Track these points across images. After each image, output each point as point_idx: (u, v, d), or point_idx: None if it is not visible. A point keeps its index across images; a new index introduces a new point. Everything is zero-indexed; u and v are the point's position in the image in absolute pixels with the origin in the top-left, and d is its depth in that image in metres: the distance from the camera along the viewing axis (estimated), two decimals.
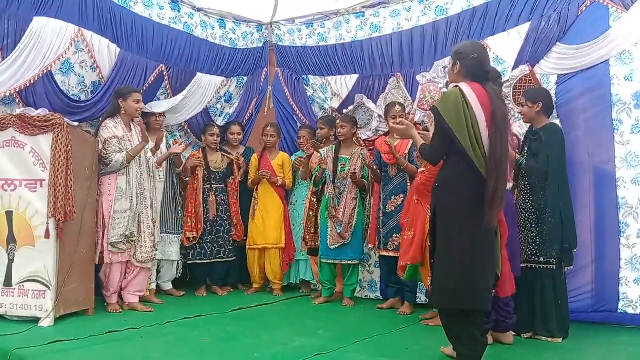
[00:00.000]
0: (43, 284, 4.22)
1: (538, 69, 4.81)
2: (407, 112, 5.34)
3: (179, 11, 6.06)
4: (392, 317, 4.81)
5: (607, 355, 3.80)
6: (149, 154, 5.08)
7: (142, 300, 5.05)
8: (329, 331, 4.25)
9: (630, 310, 4.35)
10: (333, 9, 6.53)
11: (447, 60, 4.65)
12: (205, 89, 6.18)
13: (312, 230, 5.65)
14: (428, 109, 5.22)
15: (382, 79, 5.98)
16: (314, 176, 5.61)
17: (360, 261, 5.48)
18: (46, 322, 4.16)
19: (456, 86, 3.19)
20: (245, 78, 6.75)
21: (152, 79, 5.61)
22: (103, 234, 4.73)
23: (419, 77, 5.55)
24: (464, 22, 5.43)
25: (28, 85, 4.63)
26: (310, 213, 5.68)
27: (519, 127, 4.74)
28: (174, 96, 5.85)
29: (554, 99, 4.48)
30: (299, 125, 6.40)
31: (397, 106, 5.13)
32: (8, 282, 4.28)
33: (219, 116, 6.58)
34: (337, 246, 5.28)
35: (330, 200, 5.33)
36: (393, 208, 5.09)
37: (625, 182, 4.42)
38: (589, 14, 4.63)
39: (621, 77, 4.46)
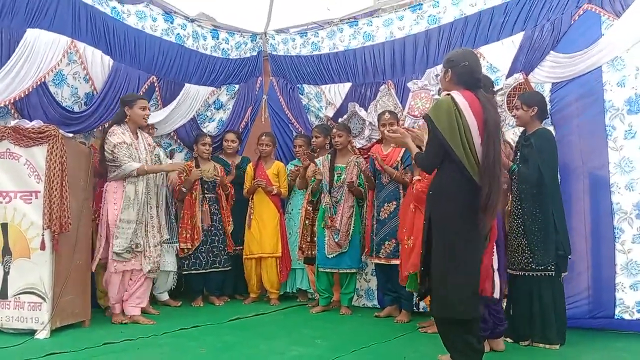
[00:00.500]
0: (39, 295, 4.20)
1: (532, 78, 4.85)
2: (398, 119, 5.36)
3: (171, 22, 6.09)
4: (390, 326, 4.81)
5: None
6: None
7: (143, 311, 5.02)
8: (326, 340, 4.25)
9: (626, 316, 4.35)
10: (326, 19, 6.59)
11: (439, 68, 4.68)
12: (194, 99, 6.25)
13: (308, 239, 5.64)
14: (418, 115, 5.26)
15: (373, 87, 6.03)
16: (310, 187, 5.61)
17: (358, 269, 5.48)
18: (42, 334, 4.14)
19: (448, 94, 3.20)
20: (237, 86, 6.76)
21: (144, 90, 5.62)
22: (107, 242, 4.71)
23: (410, 85, 5.60)
24: (456, 31, 5.48)
25: (22, 96, 4.64)
26: (306, 222, 5.68)
27: (513, 135, 4.77)
28: (164, 107, 5.89)
29: (548, 106, 4.51)
30: (294, 134, 6.42)
31: (387, 114, 5.17)
32: (4, 295, 4.26)
33: (209, 122, 6.59)
34: (334, 255, 5.28)
35: (327, 210, 5.33)
36: (386, 215, 5.10)
37: (619, 188, 4.44)
38: (581, 22, 4.67)
39: (614, 83, 4.49)
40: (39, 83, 4.73)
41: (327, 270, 5.37)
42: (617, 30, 4.46)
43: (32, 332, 4.16)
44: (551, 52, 4.76)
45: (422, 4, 5.80)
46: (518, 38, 4.97)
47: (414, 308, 5.06)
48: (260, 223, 5.84)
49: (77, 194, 4.50)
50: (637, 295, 4.33)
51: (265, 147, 5.97)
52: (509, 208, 4.34)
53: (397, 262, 4.94)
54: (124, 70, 5.46)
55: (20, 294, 4.23)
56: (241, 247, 5.94)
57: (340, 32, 6.37)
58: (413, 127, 5.22)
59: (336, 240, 5.25)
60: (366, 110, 5.96)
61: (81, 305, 4.56)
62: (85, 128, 5.18)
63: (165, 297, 5.63)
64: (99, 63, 5.25)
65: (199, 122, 6.44)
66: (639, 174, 4.38)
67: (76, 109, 5.16)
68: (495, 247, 3.71)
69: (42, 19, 4.82)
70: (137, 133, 4.95)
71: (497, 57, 5.08)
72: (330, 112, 6.31)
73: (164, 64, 6.00)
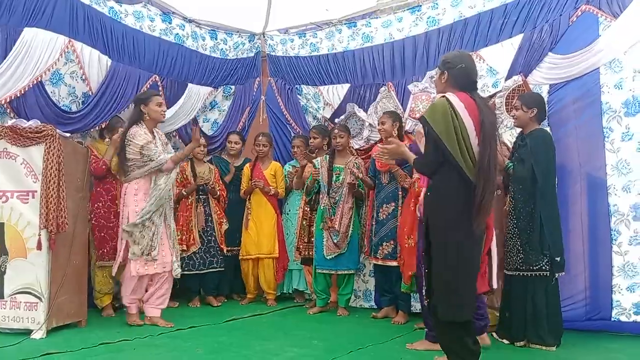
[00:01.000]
0: (35, 295, 4.19)
1: (530, 79, 4.85)
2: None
3: (170, 22, 6.09)
4: (387, 327, 4.81)
5: None
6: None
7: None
8: (323, 341, 4.24)
9: (623, 318, 4.36)
10: (325, 19, 6.58)
11: (436, 70, 4.68)
12: (195, 99, 6.26)
13: (306, 239, 5.64)
14: (419, 118, 5.25)
15: (373, 88, 6.03)
16: (305, 186, 5.61)
17: (356, 271, 5.48)
18: (38, 334, 4.13)
19: (443, 96, 3.19)
20: (233, 87, 6.77)
21: (145, 88, 5.61)
22: (127, 245, 4.61)
23: (410, 87, 5.59)
24: (455, 33, 5.49)
25: (19, 95, 4.63)
26: (304, 222, 5.68)
27: (510, 136, 4.77)
28: (167, 107, 5.86)
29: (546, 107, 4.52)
30: (292, 134, 6.42)
31: (383, 116, 5.18)
32: (0, 294, 4.25)
33: (204, 122, 6.59)
34: (333, 256, 5.27)
35: (326, 211, 5.33)
36: (385, 216, 5.09)
37: (616, 190, 4.44)
38: (579, 24, 4.68)
39: (611, 85, 4.50)
40: (35, 82, 4.72)
41: (325, 272, 5.37)
42: (614, 32, 4.47)
43: (28, 332, 4.15)
44: (549, 53, 4.76)
45: (421, 6, 5.80)
46: (517, 40, 4.98)
47: (411, 309, 5.07)
48: (257, 224, 5.84)
49: (74, 194, 4.49)
50: (634, 297, 4.33)
51: (262, 148, 5.97)
52: (507, 208, 4.35)
53: (393, 263, 4.94)
54: (123, 69, 5.46)
55: (17, 293, 4.22)
56: (238, 248, 5.94)
57: (339, 33, 6.37)
58: (414, 130, 5.25)
59: (335, 241, 5.25)
60: (365, 111, 5.96)
61: (77, 305, 4.55)
62: (83, 127, 5.17)
63: None
64: (96, 63, 5.24)
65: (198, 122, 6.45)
66: (636, 175, 4.38)
67: (73, 109, 5.15)
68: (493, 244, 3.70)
69: (39, 18, 4.81)
70: (153, 132, 4.78)
71: (496, 60, 5.09)
72: (328, 113, 6.31)
73: (165, 64, 6.01)
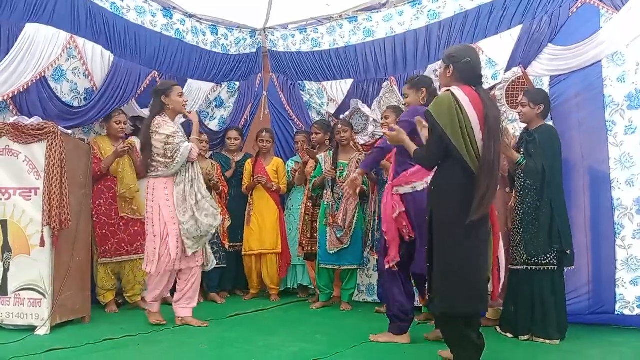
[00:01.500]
0: (39, 292, 4.20)
1: (530, 71, 4.83)
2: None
3: (170, 18, 6.08)
4: None
5: (605, 356, 3.81)
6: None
7: (142, 308, 5.01)
8: (326, 336, 4.25)
9: (627, 312, 4.35)
10: (326, 14, 6.56)
11: (440, 64, 4.66)
12: (196, 95, 6.24)
13: (309, 235, 5.64)
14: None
15: (376, 83, 6.02)
16: (312, 182, 5.60)
17: (359, 266, 5.48)
18: (42, 331, 4.14)
19: (448, 90, 3.19)
20: (237, 83, 6.77)
21: (145, 85, 5.61)
22: (163, 242, 4.44)
23: None
24: (456, 26, 5.47)
25: (22, 91, 4.63)
26: (306, 218, 5.67)
27: (512, 130, 4.76)
28: None
29: None
30: (295, 130, 6.41)
31: (386, 110, 5.16)
32: (4, 291, 4.26)
33: (210, 120, 6.59)
34: (336, 251, 5.27)
35: (329, 208, 5.32)
36: None
37: (619, 183, 4.43)
38: (579, 15, 4.66)
39: (614, 78, 4.48)
40: (38, 78, 4.72)
41: (328, 267, 5.38)
42: (616, 24, 4.44)
43: (32, 329, 4.16)
44: (549, 44, 4.74)
45: None
46: (516, 31, 4.95)
47: (414, 303, 5.06)
48: (259, 219, 5.84)
49: (77, 190, 4.50)
50: (638, 291, 4.32)
51: (265, 144, 5.97)
52: (512, 204, 4.34)
53: None
54: (125, 65, 5.45)
55: (20, 290, 4.24)
56: (240, 244, 5.94)
57: (340, 28, 6.36)
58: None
59: (338, 236, 5.24)
60: (369, 106, 5.94)
61: (81, 301, 4.57)
62: (85, 122, 5.18)
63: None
64: (99, 58, 5.24)
65: (201, 118, 6.43)
66: None
67: (76, 104, 5.15)
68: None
69: (41, 14, 4.81)
70: (174, 122, 4.64)
71: (495, 51, 5.06)
72: (332, 109, 6.31)
73: (165, 59, 6.00)
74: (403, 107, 5.45)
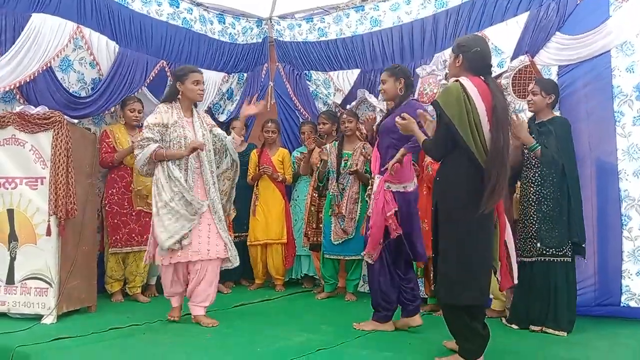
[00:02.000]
0: (45, 281, 4.22)
1: (538, 60, 4.78)
2: None
3: (177, 7, 6.06)
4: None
5: (611, 348, 3.80)
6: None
7: (140, 300, 5.04)
8: (331, 326, 4.25)
9: (633, 304, 4.33)
10: (332, 3, 6.52)
11: (447, 53, 4.62)
12: (207, 84, 6.15)
13: (314, 225, 5.63)
14: (427, 101, 5.22)
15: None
16: (317, 172, 5.59)
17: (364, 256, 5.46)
18: (49, 320, 4.16)
19: (456, 80, 3.17)
20: (246, 74, 6.77)
21: (153, 74, 5.60)
22: (152, 234, 4.26)
23: (418, 70, 5.55)
24: (463, 14, 5.43)
25: (28, 80, 4.64)
26: (312, 208, 5.67)
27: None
28: None
29: None
30: (301, 120, 6.40)
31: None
32: (10, 280, 4.28)
33: (222, 113, 6.58)
34: (340, 242, 5.26)
35: (334, 198, 5.31)
36: None
37: (627, 175, 4.40)
38: (588, 3, 4.60)
39: (622, 68, 4.43)
40: (44, 68, 4.73)
41: (333, 257, 5.37)
42: (626, 13, 4.39)
43: (38, 317, 4.18)
44: (557, 33, 4.69)
45: None
46: (523, 18, 4.91)
47: (420, 294, 5.06)
48: (265, 209, 5.84)
49: (83, 180, 4.50)
50: None
51: (271, 134, 5.96)
52: (517, 195, 4.32)
53: None
54: (131, 55, 5.45)
55: (27, 279, 4.26)
56: (245, 234, 5.94)
57: (346, 18, 6.33)
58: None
59: (342, 226, 5.24)
60: (376, 97, 5.92)
61: (87, 290, 4.58)
62: (93, 112, 5.19)
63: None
64: (104, 48, 5.26)
65: (213, 112, 6.47)
66: None
67: (83, 95, 5.17)
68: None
69: (47, 4, 4.83)
70: (192, 110, 4.35)
71: (501, 39, 5.02)
72: (339, 99, 6.30)
73: (172, 49, 5.99)
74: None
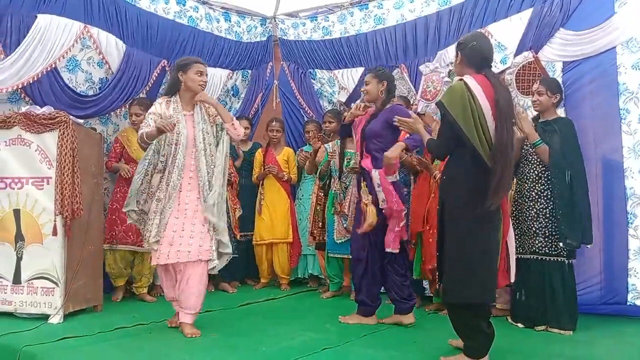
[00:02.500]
0: (52, 281, 4.24)
1: (542, 56, 4.77)
2: (411, 103, 5.34)
3: (184, 5, 6.07)
4: None
5: (616, 346, 3.79)
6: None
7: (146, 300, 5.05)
8: (336, 325, 4.25)
9: (639, 302, 4.32)
10: (337, 2, 6.52)
11: (450, 50, 4.62)
12: (212, 82, 6.19)
13: (320, 224, 5.62)
14: (431, 99, 5.21)
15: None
16: (319, 170, 5.59)
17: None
18: (55, 319, 4.18)
19: (461, 79, 3.17)
20: (250, 72, 6.78)
21: (156, 74, 5.63)
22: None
23: (422, 68, 5.55)
24: (466, 11, 5.43)
25: (32, 81, 4.66)
26: (318, 207, 5.66)
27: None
28: None
29: None
30: (305, 119, 6.40)
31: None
32: (17, 280, 4.30)
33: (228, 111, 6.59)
34: (343, 240, 5.25)
35: (337, 196, 5.31)
36: None
37: (632, 172, 4.38)
38: None
39: (628, 65, 4.41)
40: (49, 69, 4.74)
41: (337, 256, 5.37)
42: (631, 9, 4.37)
43: (45, 317, 4.19)
44: (560, 29, 4.67)
45: None
46: (526, 14, 4.90)
47: (424, 293, 5.06)
48: (270, 209, 5.85)
49: (89, 180, 4.52)
50: None
51: (275, 133, 5.96)
52: (512, 192, 4.29)
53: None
54: (137, 54, 5.49)
55: (33, 279, 4.27)
56: (250, 233, 5.95)
57: (350, 16, 6.33)
58: (425, 111, 5.22)
59: (345, 225, 5.23)
60: None
61: (93, 290, 4.59)
62: (99, 111, 5.22)
63: None
64: (113, 47, 5.29)
65: None
66: None
67: (90, 94, 5.19)
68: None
69: (53, 4, 4.84)
70: (192, 104, 4.06)
71: (504, 35, 5.02)
72: (343, 97, 6.30)
73: (176, 47, 6.00)
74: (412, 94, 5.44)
